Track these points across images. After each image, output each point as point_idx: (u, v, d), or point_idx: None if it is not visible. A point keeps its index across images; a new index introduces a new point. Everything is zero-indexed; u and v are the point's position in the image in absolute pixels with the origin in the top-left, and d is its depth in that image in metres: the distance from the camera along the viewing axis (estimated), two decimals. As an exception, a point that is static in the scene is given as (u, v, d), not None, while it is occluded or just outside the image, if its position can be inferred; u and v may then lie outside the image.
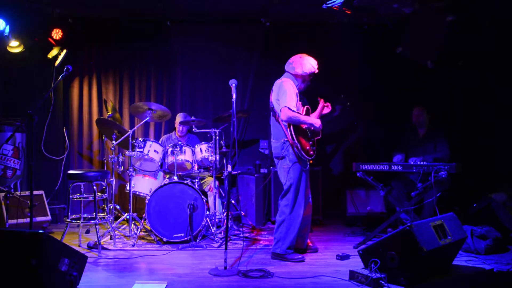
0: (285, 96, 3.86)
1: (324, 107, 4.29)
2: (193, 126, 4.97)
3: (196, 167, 4.90)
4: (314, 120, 4.06)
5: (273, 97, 4.03)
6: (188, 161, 4.84)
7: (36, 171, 5.45)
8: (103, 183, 4.71)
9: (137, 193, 4.83)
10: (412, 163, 4.56)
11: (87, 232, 5.01)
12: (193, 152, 4.89)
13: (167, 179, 4.79)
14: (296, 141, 3.87)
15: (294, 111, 3.87)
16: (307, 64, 4.02)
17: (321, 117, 4.23)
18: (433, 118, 5.13)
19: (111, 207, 4.84)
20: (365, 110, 6.16)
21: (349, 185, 5.59)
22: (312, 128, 4.07)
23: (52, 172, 5.73)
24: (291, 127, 3.89)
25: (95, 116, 5.89)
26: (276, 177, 4.66)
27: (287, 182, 3.97)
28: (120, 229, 4.93)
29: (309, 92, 4.31)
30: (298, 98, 4.03)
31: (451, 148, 4.94)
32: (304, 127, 4.03)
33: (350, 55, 5.89)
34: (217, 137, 4.79)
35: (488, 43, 5.19)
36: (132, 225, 4.75)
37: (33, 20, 5.29)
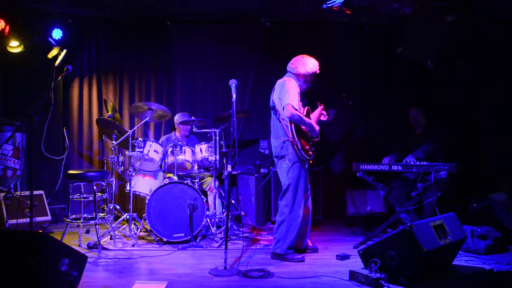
0: (288, 94, 3.87)
1: (321, 115, 4.35)
2: (193, 126, 4.98)
3: (196, 167, 4.90)
4: (314, 125, 4.07)
5: (274, 96, 4.03)
6: (188, 161, 4.84)
7: (36, 171, 5.46)
8: (103, 183, 4.71)
9: (137, 193, 4.83)
10: (404, 161, 4.58)
11: (87, 232, 5.01)
12: (193, 152, 4.89)
13: (167, 179, 4.79)
14: (297, 140, 3.88)
15: (296, 109, 3.88)
16: (309, 63, 4.04)
17: (318, 122, 4.28)
18: (432, 117, 5.14)
19: (111, 207, 4.84)
20: (365, 110, 6.16)
21: (349, 185, 5.58)
22: (310, 132, 4.08)
23: (52, 172, 5.73)
24: (292, 125, 3.90)
25: (95, 116, 5.89)
26: (276, 177, 4.66)
27: (286, 182, 3.98)
28: (120, 229, 4.93)
29: (310, 93, 4.32)
30: (300, 98, 4.04)
31: (449, 147, 4.94)
32: (303, 128, 4.03)
33: (350, 55, 5.90)
34: (217, 137, 4.79)
35: (488, 43, 5.19)
36: (132, 225, 4.75)
37: (33, 20, 5.29)
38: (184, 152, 4.82)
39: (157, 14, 5.77)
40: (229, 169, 4.52)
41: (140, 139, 4.72)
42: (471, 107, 5.55)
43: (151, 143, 4.72)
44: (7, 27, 5.04)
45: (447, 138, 4.98)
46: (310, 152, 4.02)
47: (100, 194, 4.66)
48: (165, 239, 4.50)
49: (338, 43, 5.78)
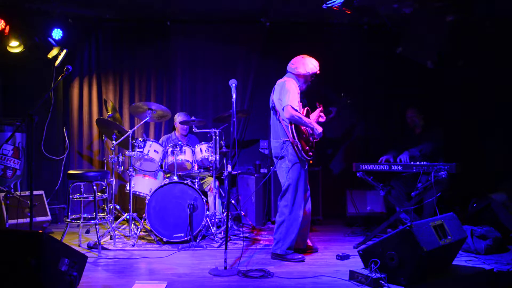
0: (288, 95, 3.86)
1: (319, 116, 4.34)
2: (193, 126, 4.98)
3: (196, 167, 4.90)
4: (316, 125, 4.04)
5: (274, 96, 4.03)
6: (188, 161, 4.83)
7: (36, 171, 5.46)
8: (103, 183, 4.71)
9: (137, 193, 4.83)
10: (398, 159, 4.62)
11: (87, 232, 5.01)
12: (193, 152, 4.89)
13: (167, 179, 4.79)
14: (297, 140, 3.87)
15: (297, 110, 3.87)
16: (310, 64, 4.04)
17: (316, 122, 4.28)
18: (431, 117, 5.14)
19: (111, 207, 4.84)
20: (365, 110, 6.17)
21: (349, 185, 5.58)
22: (311, 132, 4.07)
23: (52, 172, 5.73)
24: (293, 126, 3.89)
25: (95, 116, 5.89)
26: (276, 177, 4.66)
27: (285, 182, 3.97)
28: (120, 229, 4.93)
29: (310, 93, 4.32)
30: (300, 98, 4.04)
31: (449, 147, 4.94)
32: (303, 128, 4.03)
33: (350, 55, 5.90)
34: (217, 137, 4.79)
35: (488, 43, 5.19)
36: (132, 225, 4.75)
37: (33, 20, 5.30)
38: (184, 152, 4.82)
39: (157, 14, 5.77)
40: (229, 169, 4.52)
41: (140, 139, 4.72)
42: (471, 107, 5.54)
43: (151, 143, 4.72)
44: (7, 27, 5.05)
45: (447, 138, 4.98)
46: (310, 153, 4.01)
47: (100, 194, 4.66)
48: (165, 239, 4.50)
49: (338, 43, 5.78)
